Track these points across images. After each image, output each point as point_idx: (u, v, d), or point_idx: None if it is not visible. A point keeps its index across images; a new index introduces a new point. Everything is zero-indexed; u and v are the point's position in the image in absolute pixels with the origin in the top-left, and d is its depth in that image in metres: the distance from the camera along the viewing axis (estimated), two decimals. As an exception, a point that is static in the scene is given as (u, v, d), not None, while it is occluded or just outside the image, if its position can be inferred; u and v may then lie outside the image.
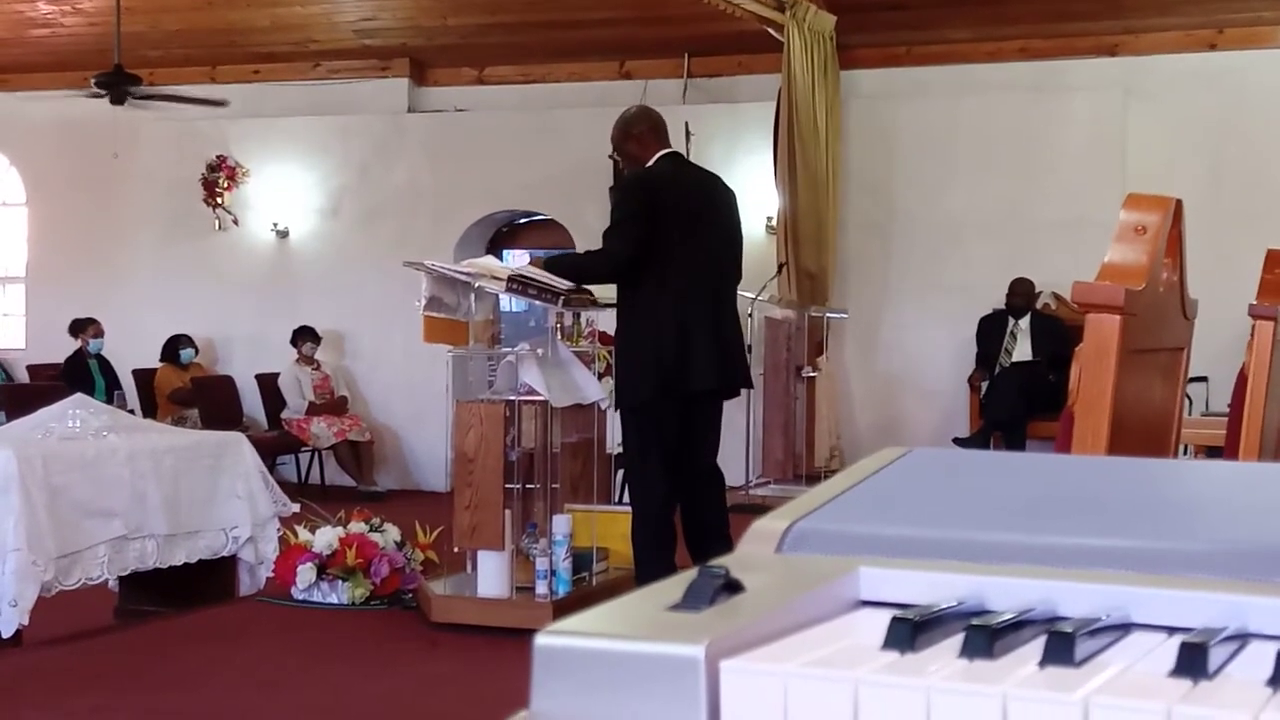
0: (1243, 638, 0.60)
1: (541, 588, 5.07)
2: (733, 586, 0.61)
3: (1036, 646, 0.58)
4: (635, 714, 0.54)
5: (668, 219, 5.08)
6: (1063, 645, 0.56)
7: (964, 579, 0.64)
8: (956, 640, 0.58)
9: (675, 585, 0.62)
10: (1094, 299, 1.64)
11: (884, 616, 0.60)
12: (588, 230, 9.19)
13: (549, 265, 5.36)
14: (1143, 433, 1.88)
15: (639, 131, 5.30)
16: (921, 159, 9.38)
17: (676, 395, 5.10)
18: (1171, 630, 0.62)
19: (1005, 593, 0.63)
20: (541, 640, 0.58)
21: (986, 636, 0.57)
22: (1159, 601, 0.62)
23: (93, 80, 8.27)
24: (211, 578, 5.62)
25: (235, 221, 10.25)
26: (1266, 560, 0.66)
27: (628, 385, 5.14)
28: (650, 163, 5.25)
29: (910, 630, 0.58)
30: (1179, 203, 1.83)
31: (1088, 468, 0.89)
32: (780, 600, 0.60)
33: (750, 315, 8.15)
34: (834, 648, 0.58)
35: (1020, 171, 9.16)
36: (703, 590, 0.60)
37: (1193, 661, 0.55)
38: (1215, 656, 0.56)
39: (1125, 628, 0.62)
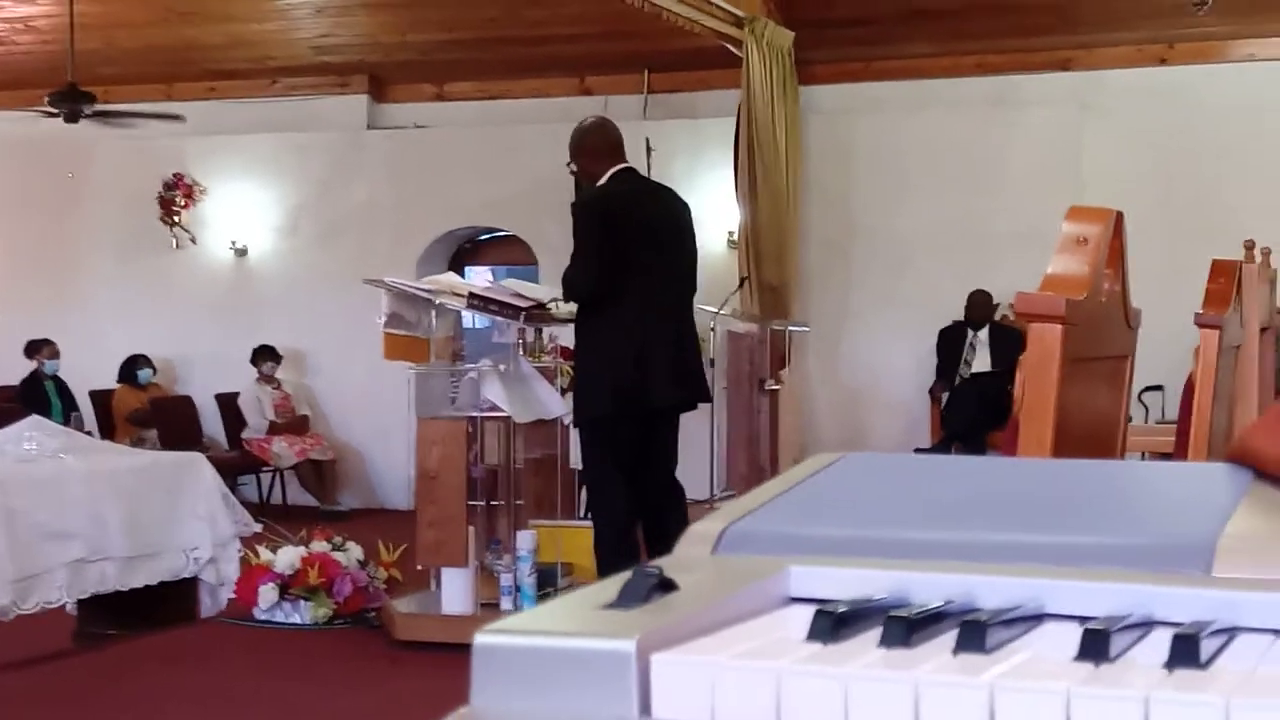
0: (1146, 625, 0.63)
1: (506, 604, 5.08)
2: (666, 585, 0.64)
3: (952, 636, 0.61)
4: (570, 707, 0.57)
5: (624, 237, 5.11)
6: (975, 634, 0.59)
7: (888, 575, 0.67)
8: (877, 632, 0.61)
9: (611, 585, 0.65)
10: (1036, 309, 1.68)
11: (811, 611, 0.63)
12: (549, 246, 9.21)
13: None
14: (1088, 440, 1.92)
15: (593, 145, 5.32)
16: (880, 173, 9.47)
17: (636, 410, 5.13)
18: (1082, 620, 0.65)
19: (926, 587, 0.66)
20: (480, 639, 0.60)
21: (904, 627, 0.60)
22: (1069, 592, 0.65)
23: (46, 98, 8.23)
24: (172, 600, 5.59)
25: (193, 240, 10.20)
26: (1171, 553, 0.69)
27: (587, 400, 5.16)
28: (604, 178, 5.26)
29: (832, 623, 0.61)
30: (1119, 214, 1.87)
31: (1010, 469, 0.93)
32: (711, 598, 0.63)
33: (712, 329, 8.19)
34: (761, 641, 0.60)
35: (978, 185, 9.26)
36: (637, 589, 0.62)
37: (1095, 646, 0.58)
38: (1118, 642, 0.59)
39: (1038, 618, 0.65)
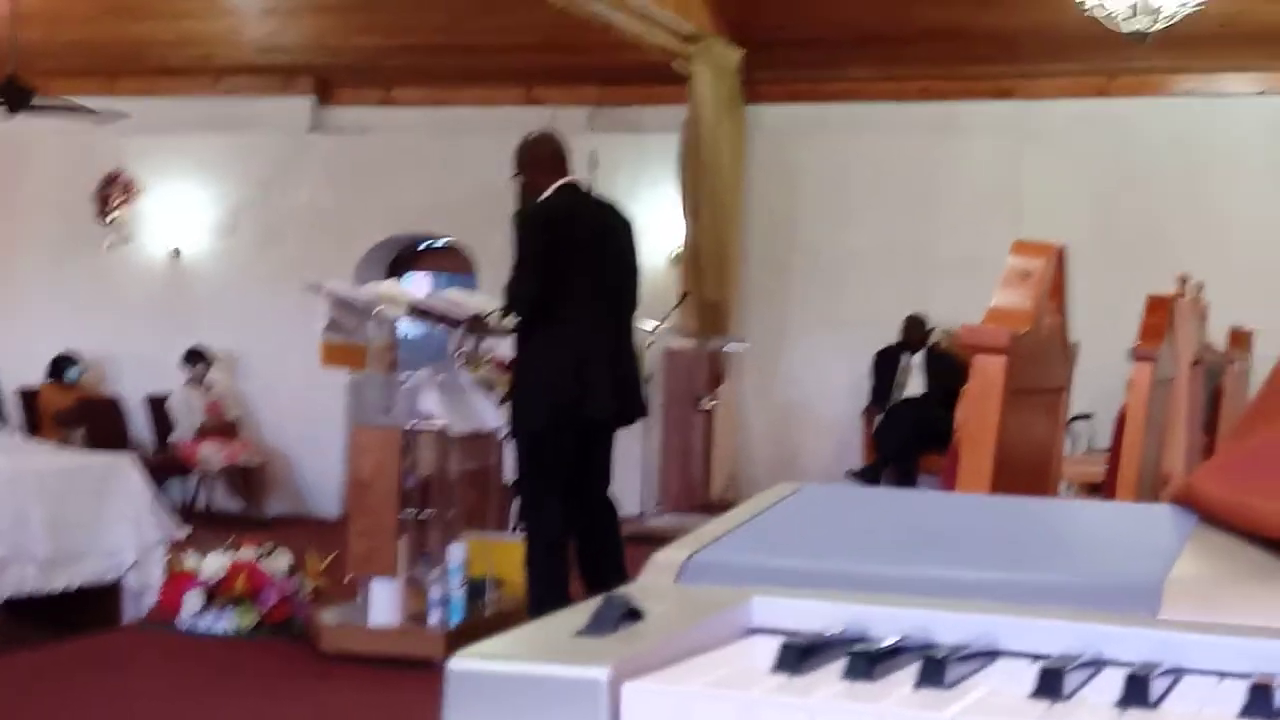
0: (1098, 664, 0.66)
1: (434, 617, 5.05)
2: (635, 614, 0.65)
3: (912, 671, 0.63)
4: (543, 734, 0.57)
5: (566, 251, 5.12)
6: (935, 670, 0.61)
7: (847, 608, 0.69)
8: (840, 665, 0.63)
9: (581, 612, 0.66)
10: (980, 341, 1.71)
11: (775, 642, 0.64)
12: (491, 256, 9.19)
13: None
14: (1025, 469, 1.96)
15: (539, 158, 5.32)
16: (823, 194, 9.56)
17: (573, 424, 5.13)
18: (1035, 657, 0.67)
19: (885, 621, 0.68)
20: (455, 663, 0.61)
21: (866, 661, 0.62)
22: (1023, 630, 0.68)
23: (-15, 91, 8.10)
24: (94, 604, 5.50)
25: (128, 238, 10.07)
26: (1120, 594, 0.72)
27: (524, 413, 5.16)
28: (548, 192, 5.26)
29: (798, 655, 0.62)
30: (1062, 249, 1.91)
31: (963, 505, 0.95)
32: (679, 627, 0.65)
33: (651, 344, 8.22)
34: (728, 670, 0.62)
35: (919, 210, 9.38)
36: (607, 617, 0.64)
37: (1050, 684, 0.60)
38: (1071, 680, 0.62)
39: (993, 655, 0.67)
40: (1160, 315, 2.87)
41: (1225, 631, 0.65)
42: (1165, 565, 0.75)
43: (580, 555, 5.28)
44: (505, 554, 5.53)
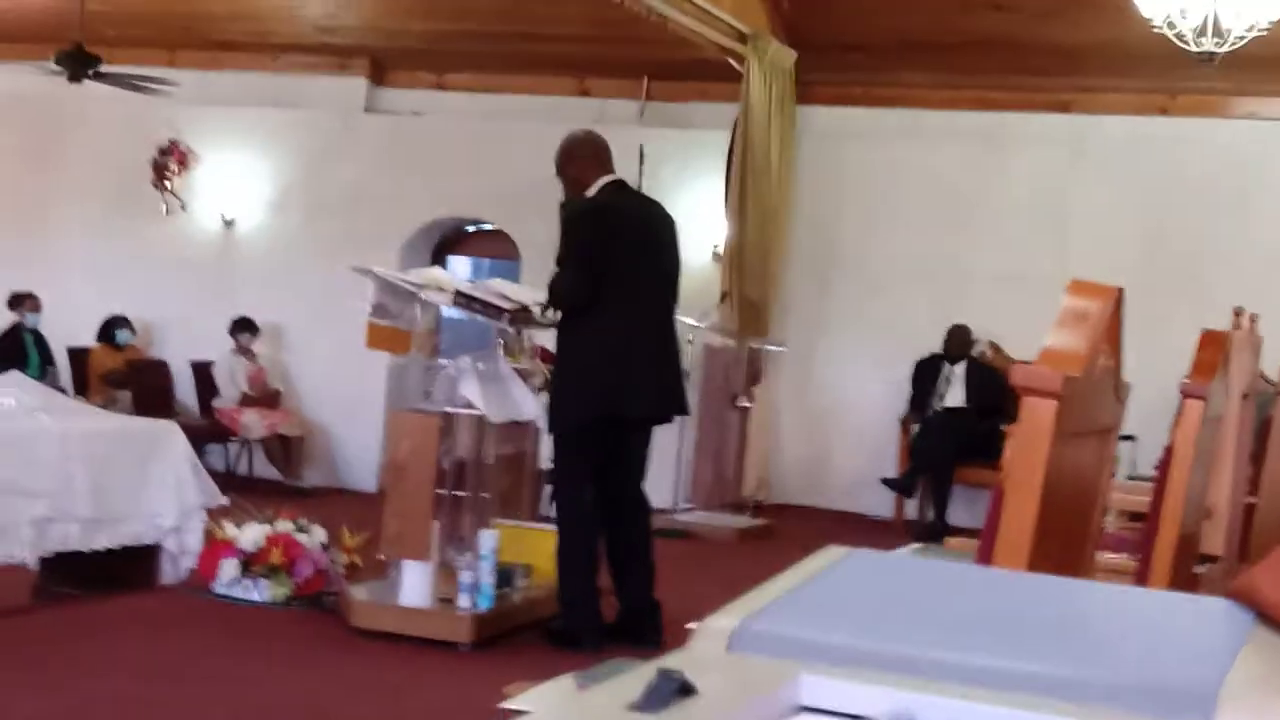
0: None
1: (464, 601, 5.09)
2: (686, 689, 0.66)
3: (960, 768, 0.63)
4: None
5: (611, 248, 5.14)
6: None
7: (895, 694, 0.70)
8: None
9: (632, 683, 0.67)
10: (1032, 384, 1.71)
11: (822, 723, 0.65)
12: (534, 243, 9.21)
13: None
14: (1069, 508, 1.96)
15: (582, 157, 5.33)
16: (870, 199, 9.51)
17: (612, 421, 5.15)
18: (1078, 757, 0.67)
19: (932, 710, 0.69)
20: (513, 734, 0.62)
21: (915, 760, 0.62)
22: (1068, 730, 0.68)
23: (53, 57, 8.18)
24: (133, 565, 5.58)
25: (183, 207, 10.16)
26: (1172, 698, 0.71)
27: (563, 408, 5.18)
28: (592, 190, 5.27)
29: (847, 748, 0.63)
30: (1120, 291, 1.90)
31: (1014, 584, 0.95)
32: (729, 706, 0.65)
33: (691, 342, 8.22)
34: (778, 758, 0.63)
35: (964, 220, 9.32)
36: (660, 693, 0.65)
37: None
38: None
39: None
40: (1214, 351, 2.85)
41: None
42: (1221, 669, 0.74)
43: (609, 548, 5.30)
44: (536, 542, 5.56)
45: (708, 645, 0.78)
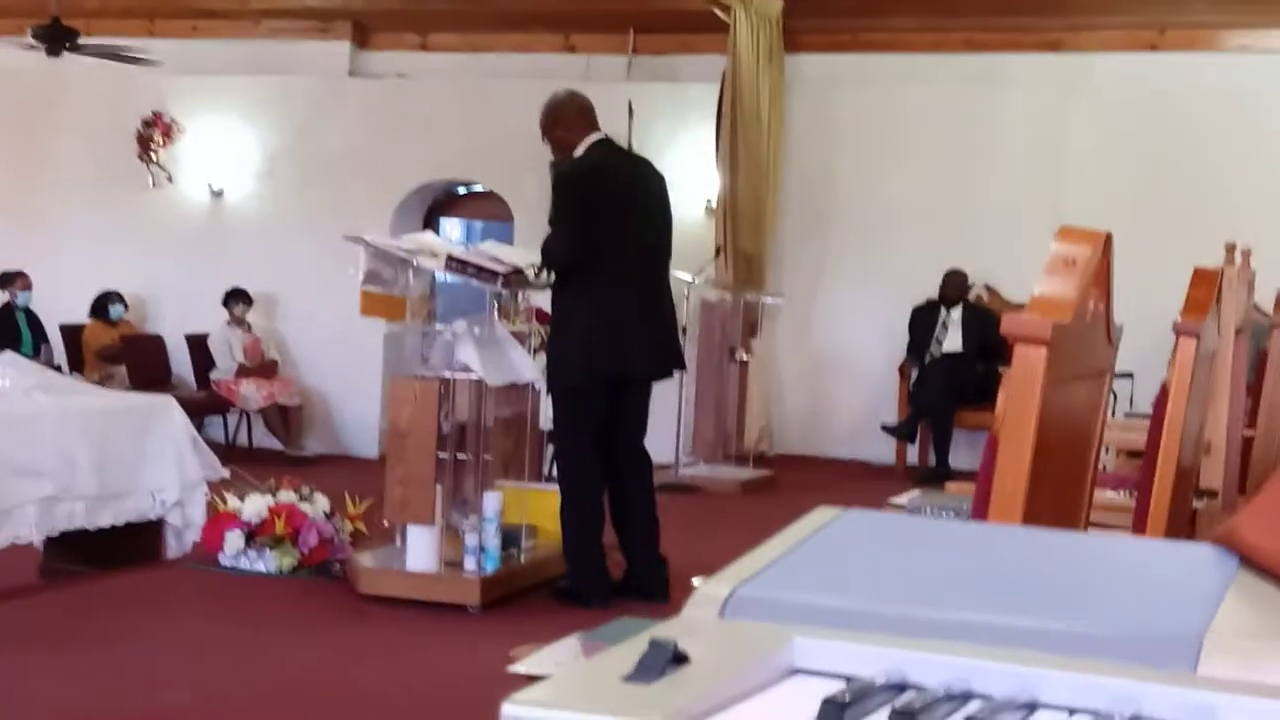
0: (1135, 721, 0.67)
1: (470, 564, 5.11)
2: (679, 658, 0.67)
3: (953, 727, 0.64)
4: (591, 783, 0.59)
5: (604, 207, 5.13)
6: (975, 730, 0.62)
7: (887, 653, 0.70)
8: (880, 717, 0.64)
9: (628, 654, 0.67)
10: (1022, 332, 1.70)
11: (815, 685, 0.66)
12: (525, 203, 9.19)
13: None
14: (1065, 453, 1.96)
15: (567, 117, 5.31)
16: (862, 146, 9.48)
17: (610, 379, 5.16)
18: (1072, 711, 0.68)
19: (924, 668, 0.70)
20: (508, 709, 0.63)
21: (909, 720, 0.63)
22: (1060, 684, 0.68)
23: (30, 32, 8.13)
24: (137, 540, 5.60)
25: (169, 179, 10.12)
26: (1158, 646, 0.72)
27: (562, 367, 5.19)
28: (580, 149, 5.26)
29: (839, 712, 0.64)
30: (1109, 236, 1.90)
31: (1004, 539, 0.96)
32: (723, 673, 0.66)
33: (686, 297, 8.22)
34: (771, 723, 0.63)
35: (958, 163, 9.29)
36: (653, 663, 0.65)
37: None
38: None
39: (1032, 707, 0.68)
40: (1205, 289, 2.84)
41: (1266, 693, 0.65)
42: (1205, 617, 0.75)
43: (613, 506, 5.33)
44: (540, 502, 5.59)
45: (700, 613, 0.79)
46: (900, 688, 0.69)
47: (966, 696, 0.68)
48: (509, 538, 5.31)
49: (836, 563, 0.87)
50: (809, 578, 0.83)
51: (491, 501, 5.18)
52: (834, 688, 0.67)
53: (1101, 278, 1.90)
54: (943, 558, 0.88)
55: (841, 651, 0.71)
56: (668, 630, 0.70)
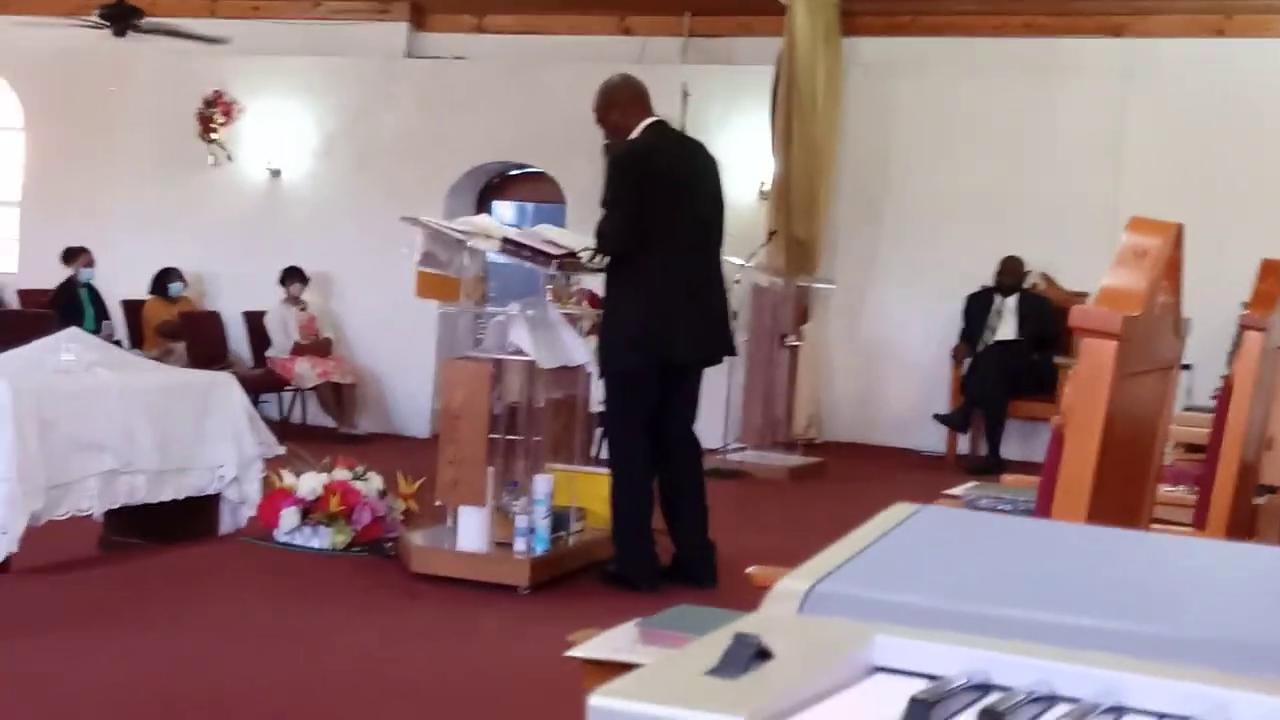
0: (1225, 729, 0.66)
1: (520, 545, 5.14)
2: (763, 654, 0.67)
3: (1039, 730, 0.64)
4: (678, 777, 0.59)
5: (658, 191, 5.12)
6: (1064, 734, 0.62)
7: (971, 654, 0.70)
8: (966, 718, 0.64)
9: (711, 647, 0.68)
10: (1091, 324, 1.69)
11: (898, 684, 0.66)
12: (578, 186, 9.20)
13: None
14: (1130, 447, 1.94)
15: (622, 100, 5.31)
16: (918, 131, 9.41)
17: (661, 363, 5.16)
18: (1161, 716, 0.67)
19: (1008, 669, 0.69)
20: (595, 701, 0.63)
21: (994, 721, 0.63)
22: (1150, 689, 0.68)
23: (97, 11, 8.23)
24: (195, 515, 5.67)
25: (229, 158, 10.22)
26: (1250, 653, 0.71)
27: (613, 352, 5.20)
28: (635, 133, 5.25)
29: (925, 711, 0.64)
30: (1180, 227, 1.88)
31: (1087, 538, 0.95)
32: (805, 669, 0.66)
33: (738, 281, 8.20)
34: (856, 721, 0.63)
35: (1016, 149, 9.21)
36: (738, 657, 0.65)
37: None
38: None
39: (1119, 711, 0.68)
40: (1273, 281, 2.80)
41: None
42: (1293, 623, 0.74)
43: (663, 490, 5.33)
44: (589, 485, 5.60)
45: (779, 608, 0.79)
46: (984, 688, 0.69)
47: (1052, 699, 0.68)
48: (558, 520, 5.33)
49: (914, 559, 0.86)
50: (887, 574, 0.83)
51: (542, 483, 5.20)
52: (917, 687, 0.67)
53: (1171, 270, 1.87)
54: (1019, 556, 0.87)
55: (924, 650, 0.71)
56: (747, 625, 0.70)
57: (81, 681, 3.83)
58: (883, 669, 0.72)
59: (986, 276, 9.09)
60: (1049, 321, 8.66)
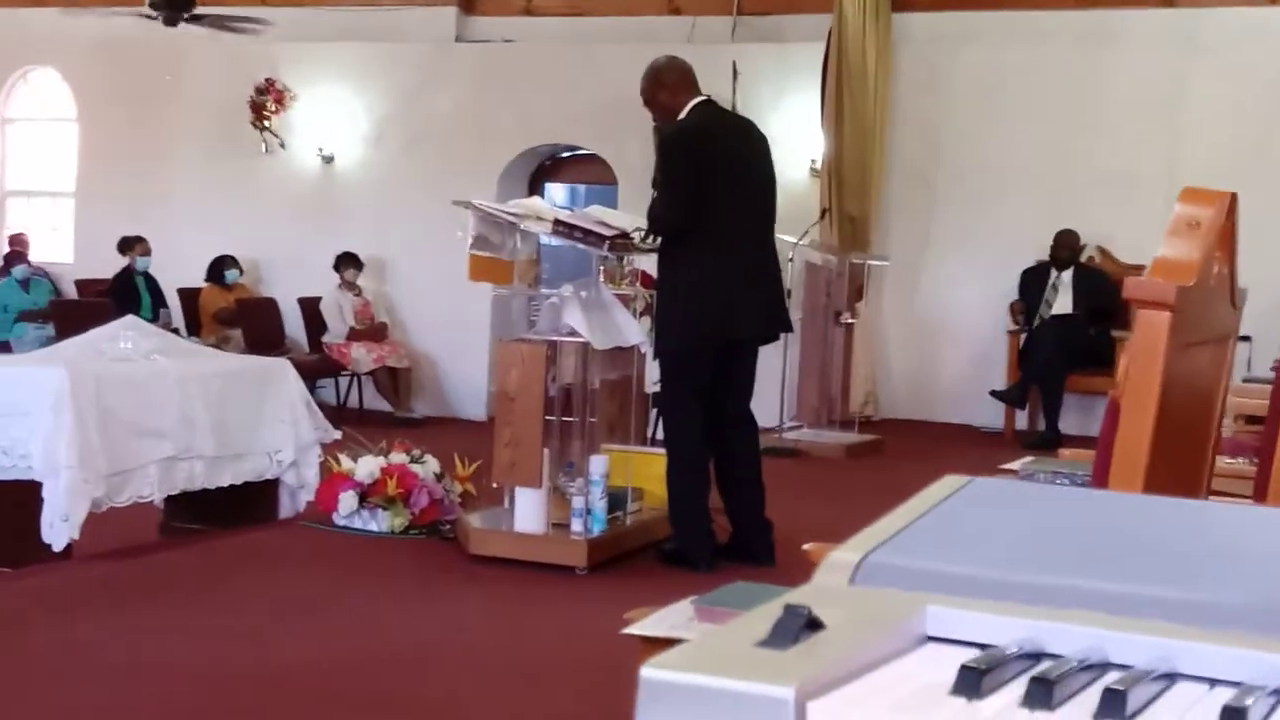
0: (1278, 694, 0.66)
1: (577, 525, 5.17)
2: (813, 624, 0.67)
3: (1091, 696, 0.64)
4: (729, 747, 0.60)
5: (709, 170, 5.11)
6: (1116, 701, 0.62)
7: (1022, 623, 0.70)
8: (1017, 686, 0.64)
9: (762, 619, 0.68)
10: (1145, 295, 1.67)
11: (949, 654, 0.66)
12: (629, 166, 9.20)
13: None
14: (1187, 419, 1.93)
15: (670, 81, 5.29)
16: (971, 106, 9.32)
17: (716, 343, 5.16)
18: (1213, 682, 0.67)
19: (1060, 637, 0.69)
20: (646, 672, 0.64)
21: (1046, 690, 0.63)
22: (1203, 656, 0.68)
23: (148, 1, 8.32)
24: (253, 499, 5.74)
25: (282, 145, 10.31)
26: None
27: (668, 331, 5.20)
28: (683, 113, 5.24)
29: (977, 679, 0.64)
30: (1234, 197, 1.85)
31: (1139, 507, 0.94)
32: (857, 639, 0.67)
33: (791, 260, 8.17)
34: (907, 689, 0.64)
35: (1070, 122, 9.10)
36: (788, 628, 0.66)
37: (1233, 720, 0.61)
38: (1253, 717, 0.62)
39: (1171, 678, 0.68)
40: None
41: None
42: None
43: (718, 469, 5.33)
44: (645, 465, 5.61)
45: (831, 579, 0.80)
46: (1036, 656, 0.69)
47: (1104, 666, 0.68)
48: (615, 500, 5.34)
49: (966, 530, 0.86)
50: (938, 545, 0.83)
51: (597, 464, 5.22)
52: (968, 656, 0.67)
53: (1225, 240, 1.85)
54: (1071, 525, 0.87)
55: (975, 620, 0.71)
56: (798, 597, 0.71)
57: (142, 662, 3.90)
58: (935, 639, 0.72)
59: (1041, 250, 9.00)
60: (1105, 295, 8.57)
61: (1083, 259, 9.03)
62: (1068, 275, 8.96)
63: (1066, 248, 8.94)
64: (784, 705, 0.60)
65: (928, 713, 0.62)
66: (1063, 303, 8.94)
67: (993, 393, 9.03)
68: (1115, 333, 8.59)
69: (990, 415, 9.13)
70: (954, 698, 0.64)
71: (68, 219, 11.32)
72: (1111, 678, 0.65)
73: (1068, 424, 8.70)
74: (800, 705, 0.60)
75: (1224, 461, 3.37)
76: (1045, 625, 0.70)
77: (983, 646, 0.70)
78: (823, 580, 0.79)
